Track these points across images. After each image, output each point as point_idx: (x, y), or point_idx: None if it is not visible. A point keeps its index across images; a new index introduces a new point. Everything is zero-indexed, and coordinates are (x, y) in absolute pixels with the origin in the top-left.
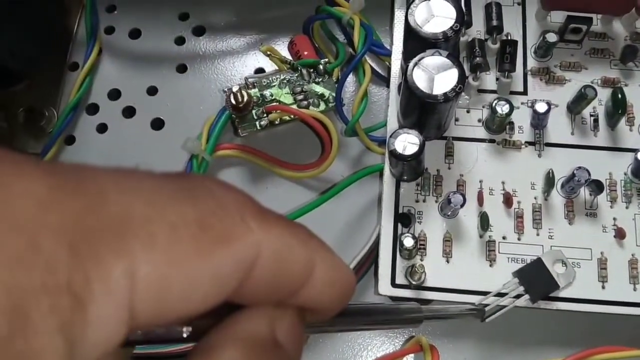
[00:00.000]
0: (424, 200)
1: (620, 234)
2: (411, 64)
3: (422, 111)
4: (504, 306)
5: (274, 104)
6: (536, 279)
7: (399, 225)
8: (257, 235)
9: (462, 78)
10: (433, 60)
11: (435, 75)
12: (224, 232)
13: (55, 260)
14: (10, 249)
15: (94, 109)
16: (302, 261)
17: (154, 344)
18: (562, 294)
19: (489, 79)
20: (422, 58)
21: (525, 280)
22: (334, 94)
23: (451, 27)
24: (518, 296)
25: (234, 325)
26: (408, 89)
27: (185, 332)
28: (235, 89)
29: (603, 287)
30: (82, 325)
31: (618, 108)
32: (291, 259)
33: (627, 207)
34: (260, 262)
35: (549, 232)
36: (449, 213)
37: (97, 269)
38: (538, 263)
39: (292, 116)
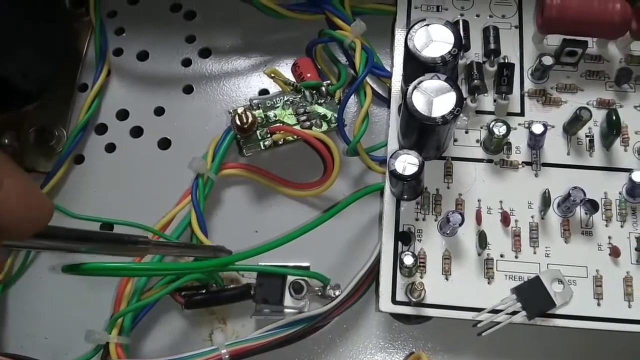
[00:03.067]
0: (423, 219)
1: (615, 253)
2: (410, 88)
3: (421, 132)
4: (501, 322)
5: (278, 124)
6: (534, 296)
7: (399, 244)
8: None
9: (459, 101)
10: (432, 83)
11: (434, 98)
12: None
13: None
14: None
15: (102, 128)
16: None
17: None
18: (559, 311)
19: (487, 101)
20: (421, 82)
21: (523, 297)
22: (336, 115)
23: (449, 52)
24: (515, 312)
25: None
26: (407, 111)
27: None
28: (240, 110)
29: (599, 304)
30: None
31: (613, 129)
32: None
33: (621, 226)
34: None
35: (546, 250)
36: (448, 231)
37: None
38: (536, 281)
39: (295, 136)
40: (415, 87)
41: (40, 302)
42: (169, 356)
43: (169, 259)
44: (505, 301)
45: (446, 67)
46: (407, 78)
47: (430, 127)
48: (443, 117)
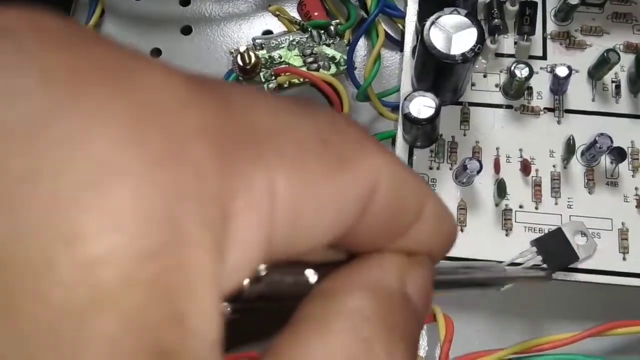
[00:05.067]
0: (437, 168)
1: None
2: (428, 23)
3: (439, 73)
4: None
5: (283, 66)
6: (555, 249)
7: None
8: (377, 159)
9: (481, 37)
10: (451, 19)
11: (453, 34)
12: (346, 153)
13: (204, 166)
14: (156, 146)
15: None
16: (416, 195)
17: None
18: (581, 265)
19: (507, 43)
20: (440, 17)
21: (544, 249)
22: (345, 57)
23: None
24: (535, 266)
25: (359, 271)
26: (424, 49)
27: (312, 275)
28: (242, 49)
29: (624, 259)
30: (225, 243)
31: None
32: (406, 190)
33: None
34: (379, 191)
35: (568, 201)
36: (464, 180)
37: (241, 179)
38: (558, 233)
39: (301, 79)
40: (432, 23)
41: None
42: None
43: None
44: (524, 254)
45: (466, 3)
46: (422, 16)
47: (449, 66)
48: (463, 54)
